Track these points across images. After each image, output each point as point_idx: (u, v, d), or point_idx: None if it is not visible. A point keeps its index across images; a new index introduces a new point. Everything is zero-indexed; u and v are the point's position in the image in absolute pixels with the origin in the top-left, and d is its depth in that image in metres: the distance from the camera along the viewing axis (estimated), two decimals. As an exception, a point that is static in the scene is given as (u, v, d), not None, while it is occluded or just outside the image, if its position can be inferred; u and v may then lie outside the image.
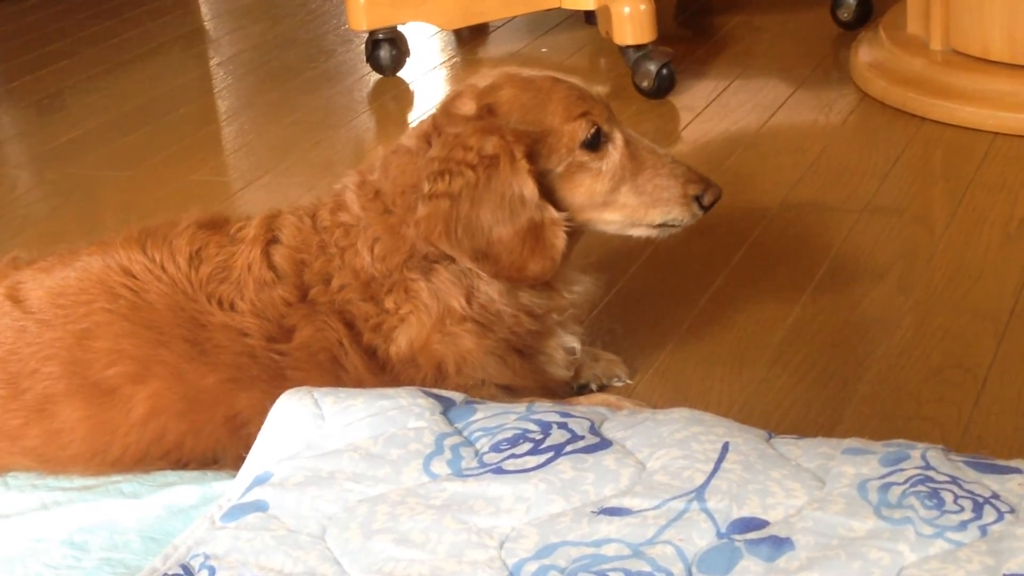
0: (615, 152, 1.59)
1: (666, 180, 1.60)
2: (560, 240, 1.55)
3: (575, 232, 1.59)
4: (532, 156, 1.54)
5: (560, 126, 1.57)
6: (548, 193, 1.56)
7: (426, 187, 1.53)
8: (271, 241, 1.60)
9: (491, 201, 1.52)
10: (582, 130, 1.57)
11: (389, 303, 1.57)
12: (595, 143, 1.58)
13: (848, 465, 1.19)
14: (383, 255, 1.57)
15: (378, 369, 1.56)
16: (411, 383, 1.55)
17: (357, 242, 1.58)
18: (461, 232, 1.52)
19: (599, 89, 1.64)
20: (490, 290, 1.58)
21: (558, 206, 1.56)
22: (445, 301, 1.56)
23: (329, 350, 1.55)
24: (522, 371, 1.60)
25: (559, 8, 2.92)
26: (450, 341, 1.56)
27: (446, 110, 1.61)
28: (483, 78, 1.62)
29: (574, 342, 1.65)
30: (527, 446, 1.26)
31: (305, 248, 1.59)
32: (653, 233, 1.64)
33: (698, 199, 1.60)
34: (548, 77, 1.61)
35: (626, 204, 1.60)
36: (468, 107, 1.59)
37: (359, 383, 1.53)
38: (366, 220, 1.58)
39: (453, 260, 1.56)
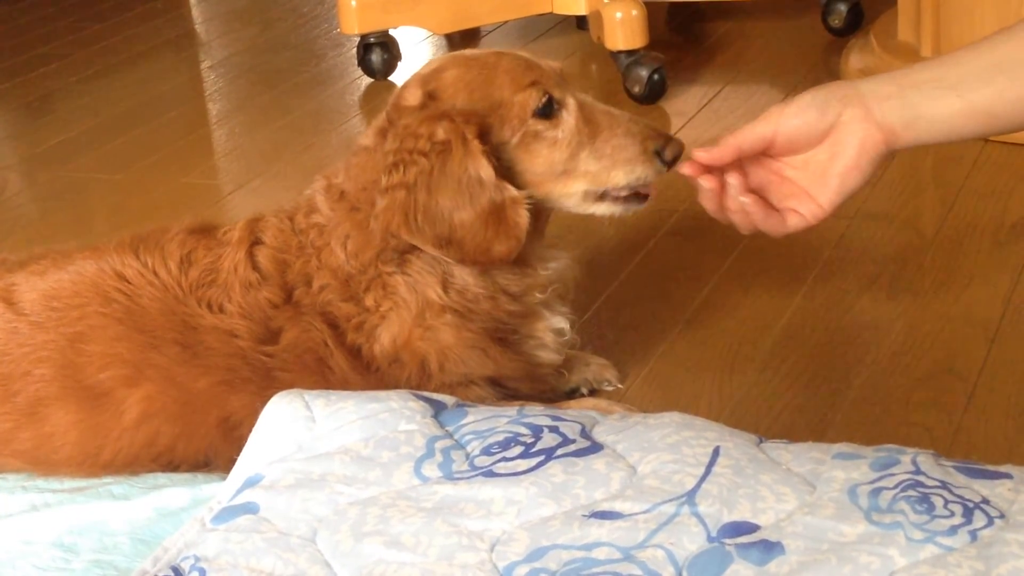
0: (569, 118, 1.57)
1: (623, 139, 1.57)
2: (523, 218, 1.53)
3: (539, 208, 1.57)
4: (485, 133, 1.53)
5: (510, 97, 1.55)
6: (507, 167, 1.55)
7: (383, 180, 1.53)
8: (255, 243, 1.60)
9: (448, 187, 1.51)
10: (533, 99, 1.55)
11: (369, 301, 1.57)
12: (548, 111, 1.56)
13: (838, 470, 1.19)
14: (356, 251, 1.57)
15: (363, 368, 1.57)
16: (396, 381, 1.55)
17: (331, 241, 1.58)
18: (421, 220, 1.52)
19: (551, 63, 1.61)
20: (463, 275, 1.57)
21: (518, 179, 1.55)
22: (423, 293, 1.56)
23: (315, 351, 1.55)
24: (504, 360, 1.59)
25: (551, 13, 2.93)
26: (431, 337, 1.56)
27: (395, 104, 1.60)
28: (429, 64, 1.62)
29: (563, 323, 1.64)
30: (518, 449, 1.26)
31: (287, 248, 1.60)
32: (617, 209, 1.60)
33: (659, 154, 1.57)
34: (492, 52, 1.59)
35: (587, 171, 1.57)
36: (414, 96, 1.58)
37: (345, 383, 1.53)
38: (336, 219, 1.59)
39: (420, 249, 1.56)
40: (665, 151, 1.57)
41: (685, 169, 1.42)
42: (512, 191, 1.53)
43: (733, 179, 1.40)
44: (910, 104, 1.35)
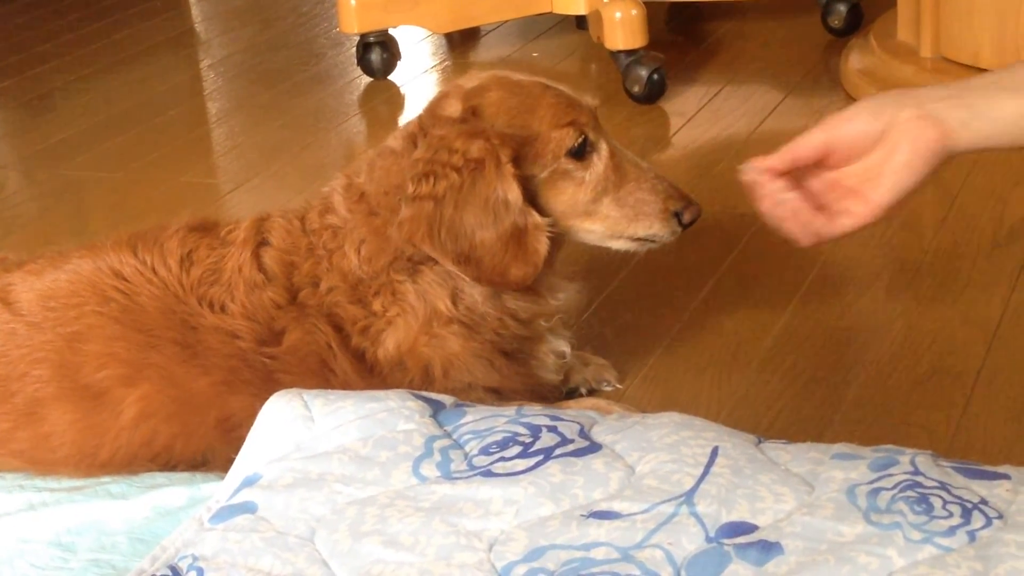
0: (600, 163, 1.59)
1: (647, 195, 1.60)
2: (543, 246, 1.55)
3: (557, 239, 1.59)
4: (517, 160, 1.54)
5: (547, 132, 1.57)
6: (531, 199, 1.56)
7: (410, 188, 1.53)
8: (261, 243, 1.60)
9: (475, 204, 1.52)
10: (569, 138, 1.57)
11: (376, 306, 1.57)
12: (581, 152, 1.58)
13: (837, 470, 1.19)
14: (369, 257, 1.57)
15: (366, 372, 1.56)
16: (399, 386, 1.55)
17: (344, 244, 1.58)
18: (444, 235, 1.52)
19: (589, 99, 1.64)
20: (474, 292, 1.58)
21: (540, 212, 1.56)
22: (431, 303, 1.56)
23: (318, 353, 1.55)
24: (510, 373, 1.60)
25: (550, 13, 2.93)
26: (437, 344, 1.56)
27: (432, 111, 1.61)
28: (471, 79, 1.62)
29: (564, 346, 1.66)
30: (516, 449, 1.26)
31: (294, 250, 1.59)
32: (633, 246, 1.63)
33: (678, 215, 1.60)
34: (537, 83, 1.61)
35: (608, 215, 1.60)
36: (454, 108, 1.58)
37: (347, 386, 1.53)
38: (352, 222, 1.58)
39: (437, 261, 1.56)
40: (684, 213, 1.60)
41: (745, 176, 1.39)
42: (536, 218, 1.54)
43: (775, 184, 1.37)
44: (967, 103, 1.32)
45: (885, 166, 1.34)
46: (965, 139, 1.33)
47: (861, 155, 1.37)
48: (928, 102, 1.33)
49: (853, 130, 1.36)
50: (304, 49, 3.32)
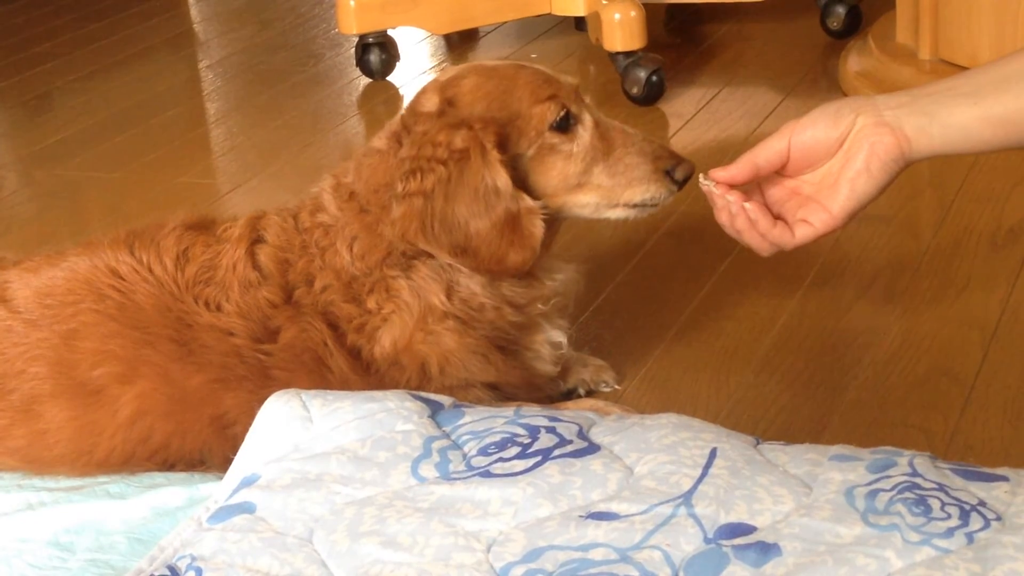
0: (585, 133, 1.58)
1: (636, 157, 1.58)
2: (538, 229, 1.54)
3: (552, 219, 1.58)
4: (502, 143, 1.53)
5: (528, 109, 1.56)
6: (521, 179, 1.55)
7: (399, 187, 1.53)
8: (256, 241, 1.60)
9: (465, 195, 1.51)
10: (551, 112, 1.56)
11: (371, 303, 1.56)
12: (564, 125, 1.57)
13: (835, 471, 1.19)
14: (362, 253, 1.57)
15: (363, 370, 1.56)
16: (396, 384, 1.55)
17: (336, 242, 1.58)
18: (438, 228, 1.52)
19: (569, 78, 1.63)
20: (471, 283, 1.57)
21: (532, 191, 1.56)
22: (426, 298, 1.56)
23: (314, 351, 1.55)
24: (506, 368, 1.60)
25: (549, 14, 2.93)
26: (432, 341, 1.56)
27: (412, 108, 1.61)
28: (446, 72, 1.62)
29: (560, 336, 1.65)
30: (515, 450, 1.26)
31: (289, 248, 1.59)
32: (632, 213, 1.61)
33: (670, 174, 1.58)
34: (511, 64, 1.60)
35: (600, 185, 1.58)
36: (431, 103, 1.58)
37: (344, 383, 1.53)
38: (343, 219, 1.58)
39: (432, 256, 1.56)
40: (676, 171, 1.59)
41: (704, 187, 1.41)
42: (528, 201, 1.54)
43: (732, 195, 1.39)
44: (923, 110, 1.33)
45: (842, 174, 1.36)
46: (923, 146, 1.34)
47: (819, 160, 1.38)
48: (886, 109, 1.34)
49: (812, 137, 1.37)
50: (303, 50, 3.32)
